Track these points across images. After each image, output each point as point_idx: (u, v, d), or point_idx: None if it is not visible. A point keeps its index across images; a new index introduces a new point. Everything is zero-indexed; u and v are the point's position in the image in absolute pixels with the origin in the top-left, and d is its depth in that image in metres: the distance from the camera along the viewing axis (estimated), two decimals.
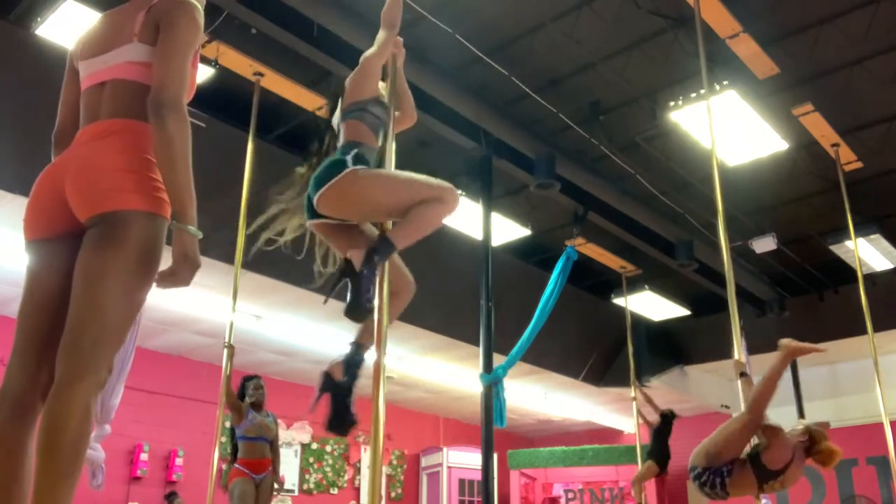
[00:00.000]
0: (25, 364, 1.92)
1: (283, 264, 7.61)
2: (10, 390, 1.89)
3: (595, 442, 13.61)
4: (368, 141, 2.84)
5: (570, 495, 12.92)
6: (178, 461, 10.05)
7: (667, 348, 12.04)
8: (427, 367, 10.92)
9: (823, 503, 11.81)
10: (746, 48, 6.28)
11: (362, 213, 2.74)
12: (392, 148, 2.87)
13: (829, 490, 11.77)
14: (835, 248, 9.04)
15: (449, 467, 13.07)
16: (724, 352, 5.00)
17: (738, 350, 4.74)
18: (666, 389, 11.77)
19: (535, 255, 10.46)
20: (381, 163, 2.87)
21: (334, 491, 12.13)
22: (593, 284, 11.31)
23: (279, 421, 6.83)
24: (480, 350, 7.31)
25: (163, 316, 8.74)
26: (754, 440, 4.26)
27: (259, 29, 5.99)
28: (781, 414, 7.62)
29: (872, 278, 9.68)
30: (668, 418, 9.42)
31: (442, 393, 12.47)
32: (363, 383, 2.69)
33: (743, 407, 4.31)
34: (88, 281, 1.87)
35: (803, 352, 4.33)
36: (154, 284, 1.98)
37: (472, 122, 7.45)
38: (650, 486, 11.08)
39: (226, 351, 5.95)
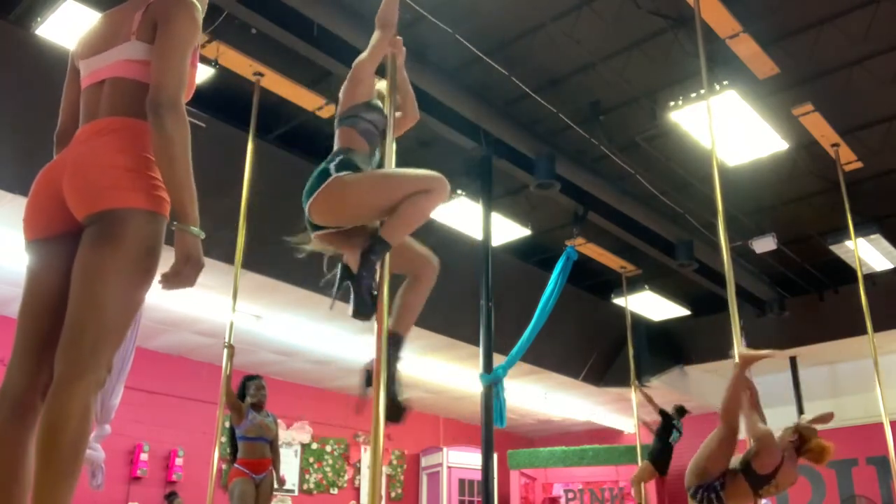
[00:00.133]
0: (25, 364, 1.92)
1: (283, 264, 7.62)
2: (11, 390, 1.89)
3: (595, 442, 13.61)
4: (359, 146, 2.85)
5: (570, 495, 12.92)
6: (178, 461, 10.05)
7: (667, 348, 12.04)
8: (427, 367, 10.92)
9: (823, 503, 11.80)
10: (746, 48, 6.27)
11: (354, 216, 2.74)
12: (393, 148, 2.87)
13: (829, 490, 11.77)
14: (835, 248, 9.04)
15: (449, 467, 13.07)
16: (724, 352, 5.00)
17: (738, 351, 4.74)
18: (666, 389, 11.77)
19: (535, 255, 10.46)
20: (381, 164, 2.87)
21: (334, 491, 12.13)
22: (593, 284, 11.31)
23: (279, 421, 6.83)
24: (480, 350, 7.31)
25: (163, 316, 8.74)
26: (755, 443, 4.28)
27: (259, 29, 5.99)
28: (781, 414, 7.63)
29: (872, 278, 9.68)
30: (668, 418, 9.42)
31: (442, 393, 12.46)
32: None
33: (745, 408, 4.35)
34: (87, 280, 1.87)
35: (757, 359, 4.53)
36: (159, 285, 1.97)
37: (472, 122, 7.45)
38: (650, 486, 11.07)
39: (226, 351, 5.95)
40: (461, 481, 13.06)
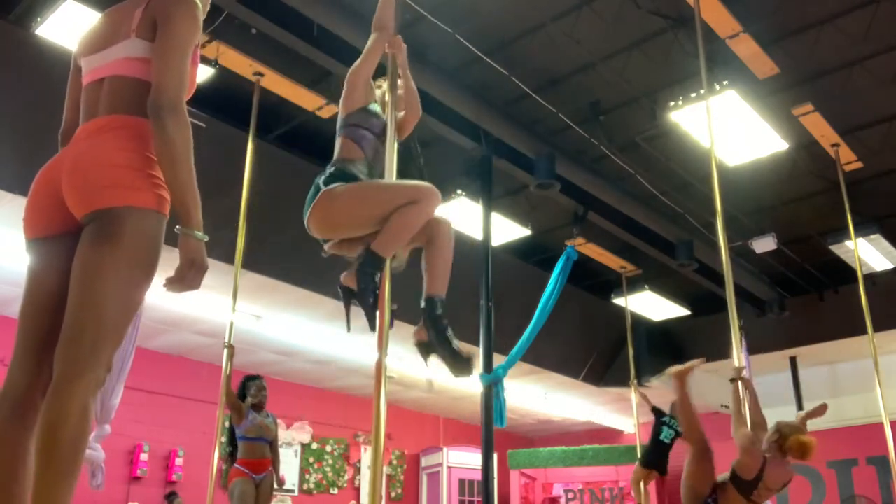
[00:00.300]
0: (26, 364, 1.91)
1: (283, 264, 7.63)
2: (12, 390, 1.89)
3: (595, 442, 13.60)
4: (354, 154, 2.87)
5: (570, 495, 12.91)
6: (178, 461, 10.05)
7: (667, 348, 12.03)
8: (427, 368, 10.90)
9: (823, 503, 11.80)
10: (746, 48, 6.27)
11: (349, 228, 2.76)
12: (394, 149, 2.87)
13: (829, 490, 11.76)
14: (835, 248, 9.03)
15: (449, 467, 13.07)
16: (724, 352, 5.02)
17: (738, 353, 4.76)
18: (666, 389, 11.75)
19: (535, 255, 10.46)
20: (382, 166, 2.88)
21: (334, 491, 12.13)
22: (593, 284, 11.31)
23: (279, 421, 6.83)
24: (480, 350, 7.31)
25: (163, 316, 8.74)
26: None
27: (259, 29, 5.99)
28: (781, 414, 7.61)
29: (872, 278, 9.67)
30: (659, 416, 9.39)
31: (442, 393, 12.46)
32: (364, 383, 2.69)
33: (744, 409, 4.38)
34: (86, 278, 1.85)
35: (687, 372, 4.80)
36: (161, 286, 1.97)
37: (472, 122, 7.44)
38: (651, 486, 11.06)
39: (226, 351, 5.95)
40: (461, 481, 13.06)
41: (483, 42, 6.80)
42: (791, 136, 7.39)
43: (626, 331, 10.42)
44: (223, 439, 7.80)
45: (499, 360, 7.31)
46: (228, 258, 6.37)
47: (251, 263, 6.87)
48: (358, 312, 2.73)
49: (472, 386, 10.38)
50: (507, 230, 8.84)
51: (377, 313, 2.61)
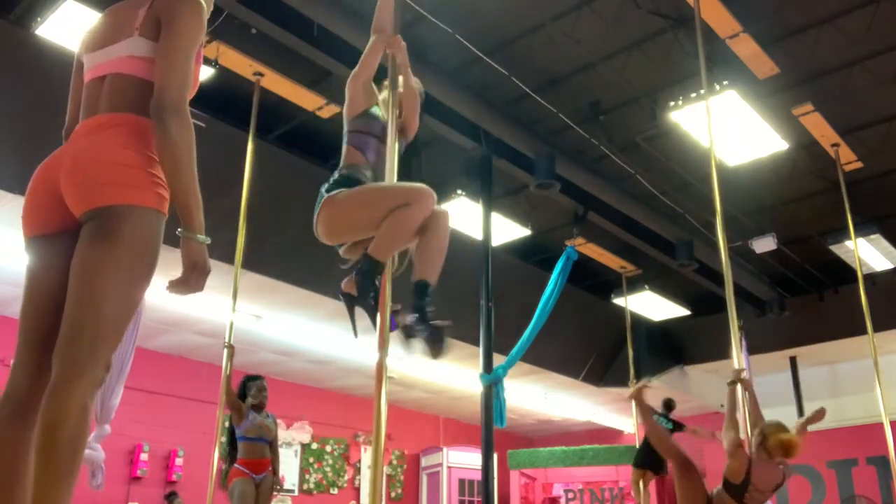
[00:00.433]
0: (28, 364, 1.90)
1: (283, 264, 7.63)
2: (15, 391, 1.88)
3: (595, 442, 13.59)
4: (356, 160, 2.92)
5: (570, 495, 12.91)
6: (178, 461, 10.05)
7: (666, 348, 12.04)
8: (427, 367, 10.92)
9: (823, 503, 11.80)
10: (746, 48, 6.27)
11: (352, 232, 2.81)
12: (395, 149, 2.87)
13: (829, 490, 11.76)
14: (835, 248, 9.03)
15: (449, 467, 13.07)
16: (724, 352, 5.03)
17: (738, 354, 4.75)
18: (666, 389, 11.76)
19: (535, 255, 10.46)
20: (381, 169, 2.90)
21: (334, 491, 12.13)
22: (593, 284, 11.31)
23: (279, 421, 6.83)
24: (480, 350, 7.31)
25: (163, 316, 8.74)
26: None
27: (259, 29, 5.99)
28: (781, 414, 7.60)
29: (872, 278, 9.67)
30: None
31: (442, 393, 12.46)
32: (364, 383, 2.69)
33: (743, 410, 4.38)
34: (84, 277, 1.84)
35: (639, 392, 4.93)
36: (167, 289, 1.96)
37: (472, 122, 7.44)
38: (651, 486, 11.06)
39: (226, 351, 5.95)
40: (461, 481, 13.06)
41: (483, 42, 6.80)
42: (791, 136, 7.39)
43: (626, 331, 10.42)
44: (223, 439, 7.81)
45: (499, 360, 7.31)
46: (228, 258, 6.37)
47: (251, 263, 6.87)
48: (362, 315, 2.74)
49: (472, 386, 10.39)
50: (507, 230, 8.84)
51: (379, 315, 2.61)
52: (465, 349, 9.31)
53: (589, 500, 12.74)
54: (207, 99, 6.41)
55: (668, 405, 9.43)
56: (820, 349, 11.32)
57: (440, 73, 7.02)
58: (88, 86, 2.11)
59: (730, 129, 6.84)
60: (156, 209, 1.93)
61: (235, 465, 6.14)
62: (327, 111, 6.98)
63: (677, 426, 9.26)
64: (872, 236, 8.85)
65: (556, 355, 10.87)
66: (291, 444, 11.61)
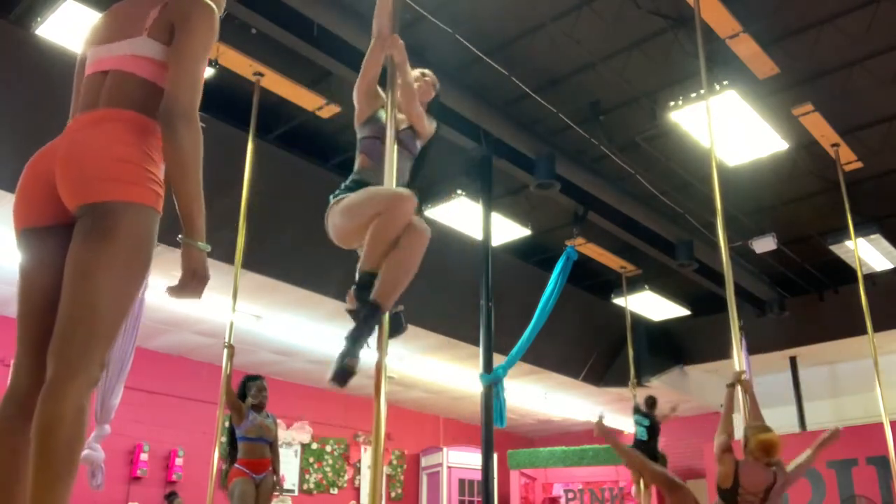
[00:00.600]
0: (28, 364, 1.89)
1: (283, 264, 7.63)
2: (16, 391, 1.87)
3: (595, 442, 13.59)
4: (365, 165, 2.99)
5: (570, 495, 12.91)
6: (178, 461, 10.05)
7: (667, 348, 12.04)
8: (427, 367, 10.91)
9: (823, 503, 11.79)
10: (746, 48, 6.27)
11: (350, 239, 2.84)
12: (394, 150, 2.87)
13: (829, 490, 11.75)
14: (835, 248, 9.03)
15: (449, 467, 13.07)
16: (724, 352, 5.03)
17: (738, 353, 4.75)
18: (666, 389, 11.77)
19: (535, 255, 10.46)
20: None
21: (334, 491, 12.13)
22: (593, 284, 11.31)
23: (279, 421, 6.83)
24: (480, 350, 7.30)
25: (163, 316, 8.74)
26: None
27: (259, 29, 5.99)
28: (781, 414, 7.64)
29: (872, 278, 9.67)
30: (636, 415, 9.35)
31: (442, 393, 12.46)
32: (364, 383, 2.69)
33: (744, 413, 4.39)
34: (78, 276, 1.81)
35: (600, 426, 5.33)
36: (167, 293, 1.95)
37: (472, 122, 7.44)
38: (651, 486, 11.05)
39: (226, 351, 5.95)
40: (461, 481, 13.06)
41: (483, 42, 6.80)
42: (791, 136, 7.39)
43: (626, 331, 10.41)
44: (223, 439, 7.81)
45: (499, 360, 7.31)
46: (228, 258, 6.37)
47: (251, 263, 6.87)
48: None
49: (472, 386, 10.39)
50: (507, 230, 8.84)
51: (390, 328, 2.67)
52: (465, 349, 9.32)
53: (589, 500, 12.75)
54: (207, 99, 6.33)
55: (650, 403, 9.40)
56: (820, 349, 11.32)
57: (440, 73, 6.94)
58: (89, 79, 2.09)
59: (730, 129, 6.84)
60: (152, 207, 1.91)
61: (235, 465, 6.14)
62: (327, 111, 6.98)
63: (654, 427, 9.16)
64: (872, 236, 8.85)
65: (556, 355, 10.87)
66: (291, 444, 11.61)
